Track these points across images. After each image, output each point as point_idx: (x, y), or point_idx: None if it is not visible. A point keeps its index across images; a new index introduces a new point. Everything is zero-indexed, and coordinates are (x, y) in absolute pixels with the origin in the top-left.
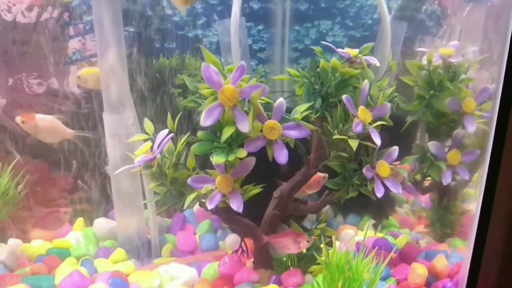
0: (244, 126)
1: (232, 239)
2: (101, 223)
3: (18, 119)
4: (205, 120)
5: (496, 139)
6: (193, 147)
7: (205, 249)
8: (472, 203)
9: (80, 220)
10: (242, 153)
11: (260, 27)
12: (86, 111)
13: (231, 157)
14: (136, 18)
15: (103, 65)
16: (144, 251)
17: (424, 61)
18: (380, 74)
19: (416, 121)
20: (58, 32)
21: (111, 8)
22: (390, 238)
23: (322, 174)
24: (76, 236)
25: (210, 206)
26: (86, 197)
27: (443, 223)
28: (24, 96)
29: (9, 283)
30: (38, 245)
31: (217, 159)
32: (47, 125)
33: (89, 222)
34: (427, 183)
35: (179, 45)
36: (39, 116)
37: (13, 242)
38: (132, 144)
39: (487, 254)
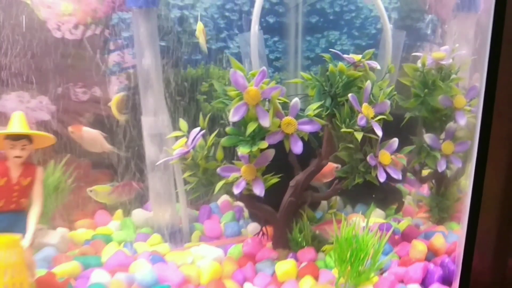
0: (266, 122)
1: (253, 227)
2: (138, 213)
3: (69, 129)
4: (233, 116)
5: (483, 131)
6: (222, 140)
7: (229, 235)
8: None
9: (119, 212)
10: (264, 144)
11: (276, 39)
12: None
13: (254, 148)
14: (167, 33)
15: (141, 75)
16: (176, 237)
17: (419, 64)
18: (382, 76)
19: (414, 119)
20: (100, 47)
21: (148, 25)
22: (393, 224)
23: (335, 165)
24: (116, 225)
25: (236, 191)
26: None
27: (440, 208)
28: (71, 103)
29: (62, 263)
30: (83, 232)
31: (242, 150)
32: (91, 137)
33: (127, 214)
34: (425, 174)
35: (204, 57)
36: (85, 128)
37: (61, 230)
38: (165, 143)
39: (481, 230)
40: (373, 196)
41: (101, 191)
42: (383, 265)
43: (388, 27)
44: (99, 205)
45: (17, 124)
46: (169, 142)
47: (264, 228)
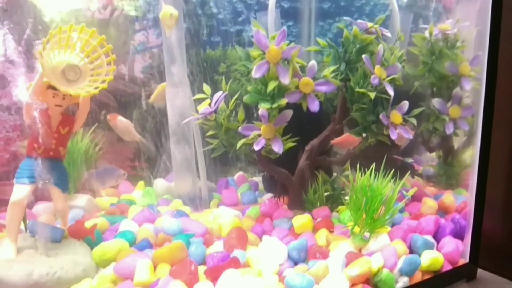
0: (286, 79)
1: (267, 197)
2: (160, 183)
3: (108, 116)
4: (255, 73)
5: (487, 98)
6: (244, 97)
7: (246, 203)
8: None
9: (141, 182)
10: (284, 101)
11: (290, 23)
12: (148, 92)
13: (274, 105)
14: (189, 16)
15: (166, 51)
16: (196, 203)
17: (427, 34)
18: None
19: (421, 94)
20: (127, 27)
21: (174, 5)
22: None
23: (354, 138)
24: (139, 194)
25: (256, 147)
26: (147, 163)
27: (448, 176)
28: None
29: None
30: (108, 199)
31: (264, 105)
32: (123, 126)
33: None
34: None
35: (223, 39)
36: (120, 118)
37: (88, 195)
38: (187, 114)
39: (490, 189)
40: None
41: None
42: (397, 211)
43: (396, 8)
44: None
45: None
46: (190, 113)
47: (280, 191)
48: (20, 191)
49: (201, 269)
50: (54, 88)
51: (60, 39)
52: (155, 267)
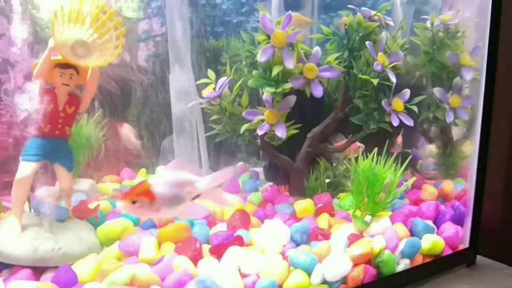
0: (290, 63)
1: (268, 185)
2: (161, 170)
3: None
4: (261, 57)
5: (487, 89)
6: (249, 81)
7: (247, 191)
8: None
9: (143, 170)
10: (288, 85)
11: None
12: (152, 80)
13: (278, 89)
14: (192, 5)
15: (171, 34)
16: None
17: (428, 24)
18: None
19: (422, 85)
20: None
21: None
22: None
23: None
24: (139, 181)
25: (260, 132)
26: (148, 152)
27: (447, 166)
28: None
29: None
30: (110, 185)
31: (268, 89)
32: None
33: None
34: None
35: (225, 29)
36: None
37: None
38: (189, 100)
39: (489, 176)
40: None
41: None
42: (399, 195)
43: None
44: (125, 162)
45: None
46: (192, 99)
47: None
48: (26, 168)
49: (205, 248)
50: (61, 67)
51: (71, 12)
52: (159, 246)
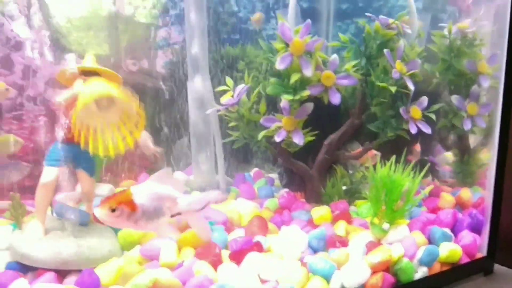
0: (308, 71)
1: (283, 192)
2: (179, 176)
3: None
4: (280, 65)
5: (505, 97)
6: (267, 89)
7: (263, 197)
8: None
9: None
10: (306, 93)
11: None
12: (169, 86)
13: (297, 96)
14: (210, 14)
15: (189, 42)
16: None
17: (446, 32)
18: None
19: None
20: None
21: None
22: None
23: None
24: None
25: (278, 139)
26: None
27: (464, 174)
28: (121, 72)
29: None
30: None
31: (286, 97)
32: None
33: None
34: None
35: (242, 37)
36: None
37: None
38: (207, 107)
39: (508, 184)
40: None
41: None
42: (417, 202)
43: (414, 9)
44: (143, 168)
45: (90, 62)
46: (210, 106)
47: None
48: (49, 173)
49: (223, 254)
50: (86, 75)
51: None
52: (179, 250)
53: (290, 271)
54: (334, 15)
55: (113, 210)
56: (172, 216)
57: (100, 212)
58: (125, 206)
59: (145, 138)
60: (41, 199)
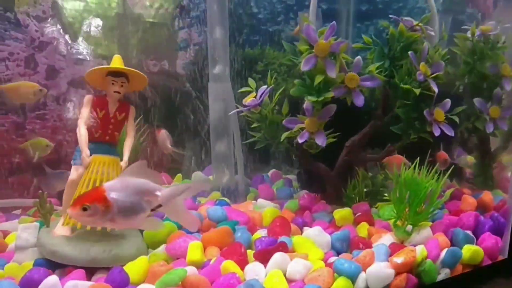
0: (332, 73)
1: (303, 193)
2: (198, 176)
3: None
4: (304, 66)
5: None
6: (291, 90)
7: (281, 198)
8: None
9: (179, 175)
10: (329, 94)
11: (328, 24)
12: (188, 87)
13: (320, 98)
14: (231, 15)
15: (211, 47)
16: (234, 196)
17: (469, 34)
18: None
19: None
20: (171, 24)
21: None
22: None
23: (405, 160)
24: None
25: (300, 140)
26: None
27: (485, 177)
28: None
29: None
30: None
31: (310, 98)
32: (160, 139)
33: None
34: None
35: (261, 38)
36: (161, 131)
37: None
38: (228, 108)
39: None
40: None
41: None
42: (440, 204)
43: (435, 10)
44: (161, 168)
45: (118, 64)
46: (231, 108)
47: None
48: (76, 171)
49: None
50: (113, 75)
51: None
52: (204, 249)
53: (316, 272)
54: (353, 17)
55: (85, 209)
56: (152, 210)
57: (72, 212)
58: (99, 204)
59: (164, 137)
60: (69, 197)
